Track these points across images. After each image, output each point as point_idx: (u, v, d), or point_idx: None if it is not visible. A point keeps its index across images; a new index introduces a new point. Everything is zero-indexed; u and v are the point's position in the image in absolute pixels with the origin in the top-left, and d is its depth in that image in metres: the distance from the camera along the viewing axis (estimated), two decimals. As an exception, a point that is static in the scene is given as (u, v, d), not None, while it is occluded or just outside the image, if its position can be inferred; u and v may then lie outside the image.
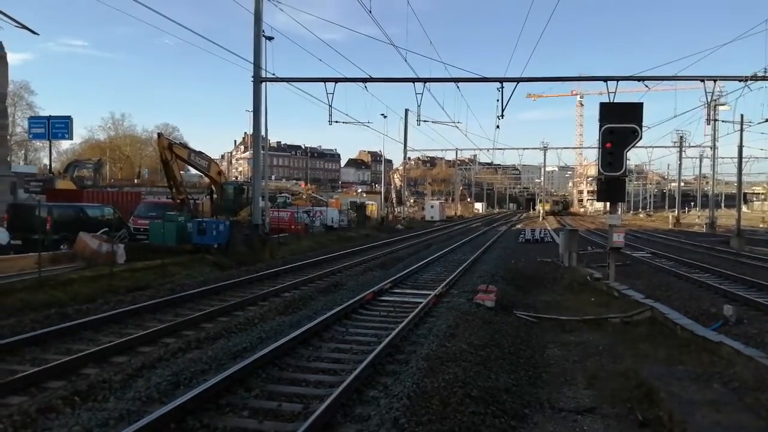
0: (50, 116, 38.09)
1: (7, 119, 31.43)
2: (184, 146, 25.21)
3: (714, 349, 8.50)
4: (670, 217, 66.22)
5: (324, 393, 6.56)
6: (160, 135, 25.11)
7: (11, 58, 27.89)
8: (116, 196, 32.76)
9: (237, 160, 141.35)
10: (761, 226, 55.79)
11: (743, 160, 40.64)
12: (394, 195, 70.11)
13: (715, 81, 21.23)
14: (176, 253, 19.49)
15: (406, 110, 53.00)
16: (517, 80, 21.51)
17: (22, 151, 68.38)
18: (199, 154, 24.73)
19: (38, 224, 16.75)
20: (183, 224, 21.07)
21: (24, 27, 26.46)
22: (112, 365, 7.78)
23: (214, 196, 26.53)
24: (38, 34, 28.53)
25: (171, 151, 22.13)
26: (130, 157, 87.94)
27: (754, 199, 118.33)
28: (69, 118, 37.07)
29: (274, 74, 23.44)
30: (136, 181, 74.59)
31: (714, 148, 52.84)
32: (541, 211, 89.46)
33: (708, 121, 38.58)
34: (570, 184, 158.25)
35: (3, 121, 28.18)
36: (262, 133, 25.11)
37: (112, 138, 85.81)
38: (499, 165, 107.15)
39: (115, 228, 20.26)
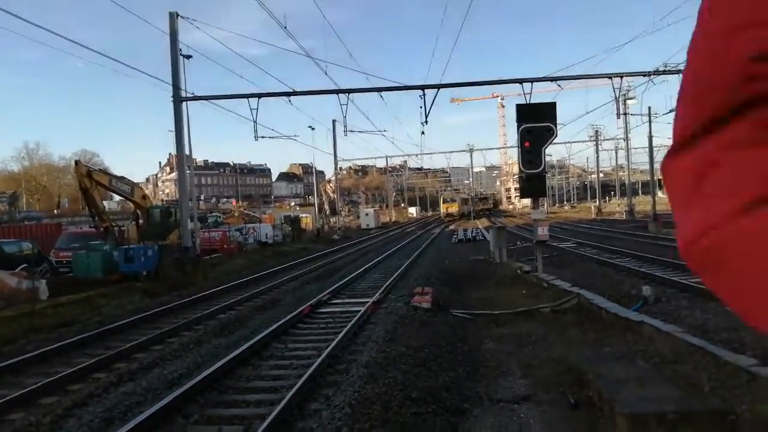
0: (-46, 150, 35.80)
1: None
2: (104, 172, 24.34)
3: (636, 329, 9.01)
4: (593, 207, 69.35)
5: (265, 411, 6.51)
6: (77, 162, 24.09)
7: None
8: (35, 229, 31.05)
9: (163, 182, 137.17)
10: (676, 209, 59.09)
11: (654, 148, 43.18)
12: (327, 206, 69.93)
13: (622, 77, 22.51)
14: (103, 283, 18.74)
15: (334, 121, 53.08)
16: (438, 86, 22.06)
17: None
18: (121, 179, 23.91)
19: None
20: (108, 253, 20.30)
21: None
22: (40, 407, 7.42)
23: (140, 221, 25.68)
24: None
25: (90, 178, 21.27)
26: (48, 187, 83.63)
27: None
28: (-25, 150, 34.97)
29: (193, 93, 23.01)
30: (55, 211, 70.99)
31: (627, 139, 55.76)
32: (444, 213, 77.02)
33: (618, 115, 40.56)
34: (498, 183, 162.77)
35: None
36: (186, 152, 24.55)
37: (27, 168, 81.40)
38: (429, 169, 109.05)
39: (34, 263, 19.25)
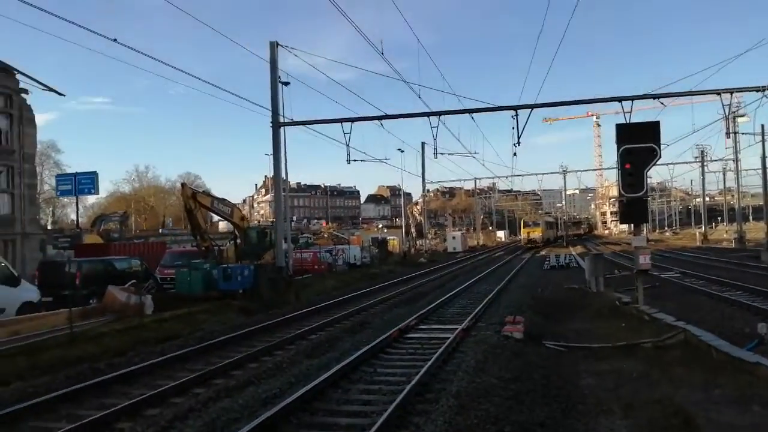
0: (77, 173, 39.04)
1: (35, 179, 32.38)
2: (207, 194, 25.69)
3: (751, 370, 8.29)
4: (697, 233, 65.05)
5: (356, 436, 6.53)
6: (183, 185, 25.66)
7: (37, 119, 28.93)
8: (142, 247, 33.36)
9: (258, 203, 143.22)
10: (792, 237, 54.41)
11: (768, 170, 40.04)
12: (414, 228, 70.10)
13: (731, 93, 21.11)
14: (203, 300, 19.68)
15: (423, 143, 53.46)
16: (531, 107, 21.60)
17: (50, 209, 70.08)
18: (222, 201, 25.15)
19: (68, 280, 17.09)
20: (209, 271, 21.31)
21: (50, 89, 27.61)
22: (145, 418, 7.84)
23: (238, 241, 26.84)
24: (64, 95, 29.68)
25: (195, 200, 22.53)
26: (155, 208, 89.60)
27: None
28: (95, 173, 37.95)
29: (291, 118, 23.93)
30: (160, 230, 75.83)
31: (736, 160, 52.27)
32: (524, 239, 69.33)
33: (728, 134, 38.17)
34: (592, 206, 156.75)
35: (32, 180, 29.09)
36: (283, 175, 25.51)
37: (136, 190, 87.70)
38: (519, 191, 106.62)
39: (142, 279, 20.56)
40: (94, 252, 28.08)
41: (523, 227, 72.99)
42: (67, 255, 27.41)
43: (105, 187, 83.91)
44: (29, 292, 17.56)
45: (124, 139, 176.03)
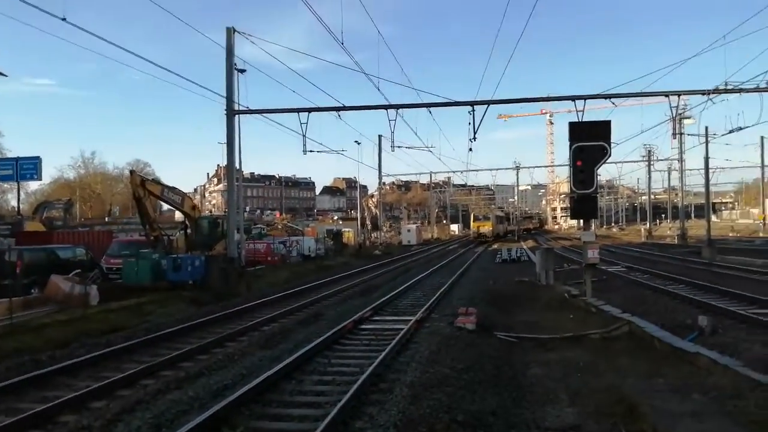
0: (18, 157, 37.38)
1: (-27, 163, 30.85)
2: (157, 182, 25.02)
3: (692, 360, 8.65)
4: (643, 230, 67.42)
5: (309, 427, 6.49)
6: (132, 172, 24.93)
7: (-24, 100, 27.61)
8: (87, 236, 32.17)
9: (210, 192, 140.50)
10: (731, 235, 57.08)
11: (710, 170, 41.79)
12: (369, 221, 70.13)
13: (679, 96, 21.85)
14: (151, 291, 19.21)
15: (380, 136, 53.47)
16: (488, 102, 21.85)
17: (-11, 194, 67.02)
18: (173, 189, 24.53)
19: (8, 269, 16.37)
20: (157, 261, 20.81)
21: (-10, 70, 26.28)
22: (91, 411, 7.60)
23: (189, 231, 26.27)
24: (6, 75, 28.32)
25: (144, 187, 21.94)
26: (101, 195, 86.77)
27: (723, 208, 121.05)
28: (38, 158, 36.37)
29: (247, 107, 23.50)
30: (107, 219, 73.48)
31: (681, 160, 54.19)
32: (474, 233, 67.95)
33: (674, 134, 39.64)
34: (543, 201, 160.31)
35: (-31, 165, 27.70)
36: (237, 165, 25.05)
37: (82, 176, 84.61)
38: (473, 186, 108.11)
39: (87, 268, 19.89)
40: (37, 240, 26.94)
41: (473, 221, 71.18)
42: (7, 243, 26.22)
43: (49, 173, 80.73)
44: (-35, 280, 16.73)
45: (69, 124, 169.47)
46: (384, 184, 68.27)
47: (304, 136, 22.50)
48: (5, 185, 57.97)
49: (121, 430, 6.41)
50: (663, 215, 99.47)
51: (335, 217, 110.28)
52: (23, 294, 16.38)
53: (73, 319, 14.27)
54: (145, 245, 23.16)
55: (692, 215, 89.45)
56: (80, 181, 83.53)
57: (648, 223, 68.26)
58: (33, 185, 69.42)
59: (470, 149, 36.23)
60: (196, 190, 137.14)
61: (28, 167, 35.97)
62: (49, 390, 8.78)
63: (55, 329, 13.16)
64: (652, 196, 74.02)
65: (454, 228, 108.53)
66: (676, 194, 68.87)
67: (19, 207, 45.74)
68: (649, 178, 67.24)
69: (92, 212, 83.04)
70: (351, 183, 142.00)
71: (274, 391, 7.99)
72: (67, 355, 10.81)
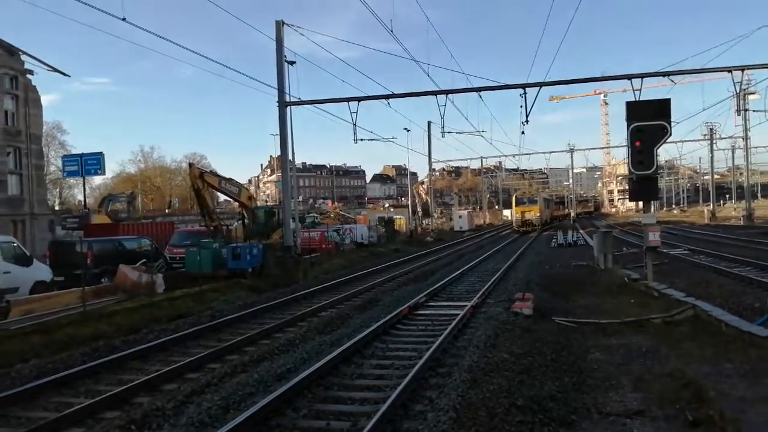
0: (82, 153, 39.12)
1: (43, 160, 32.50)
2: (215, 174, 25.72)
3: (761, 344, 8.33)
4: (706, 211, 64.72)
5: (370, 410, 6.64)
6: (191, 165, 25.73)
7: (42, 99, 28.97)
8: (151, 227, 33.48)
9: (264, 183, 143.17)
10: (801, 214, 54.16)
11: (777, 148, 39.68)
12: (420, 208, 70.04)
13: (743, 70, 20.82)
14: (212, 279, 19.84)
15: (429, 122, 53.23)
16: (540, 85, 21.43)
17: (57, 189, 70.34)
18: (230, 180, 25.19)
19: (79, 260, 17.25)
20: (218, 250, 21.44)
21: (55, 70, 27.60)
22: (163, 393, 7.98)
23: (246, 221, 26.95)
24: (69, 76, 29.61)
25: (202, 179, 22.60)
26: (161, 188, 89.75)
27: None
28: (101, 154, 38.02)
29: (298, 98, 23.83)
30: (167, 210, 76.05)
31: (746, 138, 51.77)
32: (517, 220, 55.57)
33: (738, 111, 37.85)
34: (599, 184, 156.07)
35: (39, 161, 29.21)
36: (290, 156, 25.50)
37: (142, 170, 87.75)
38: (526, 170, 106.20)
39: (152, 258, 20.73)
40: (103, 232, 28.25)
41: (515, 205, 57.46)
42: (76, 235, 27.61)
43: (111, 168, 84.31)
44: (41, 271, 17.75)
45: (128, 120, 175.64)
46: (434, 170, 67.98)
47: (354, 124, 22.70)
48: (71, 180, 60.88)
49: (192, 411, 6.73)
50: (727, 196, 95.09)
51: (386, 205, 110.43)
52: (94, 283, 17.26)
53: (141, 306, 14.93)
54: (205, 235, 23.89)
55: (759, 195, 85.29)
56: (141, 175, 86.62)
57: (711, 204, 65.46)
58: (97, 180, 72.65)
59: (522, 132, 35.48)
60: (250, 181, 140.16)
61: (92, 163, 37.68)
62: (124, 373, 9.26)
63: (124, 316, 13.82)
64: (716, 176, 70.92)
65: (507, 213, 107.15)
66: (741, 173, 65.82)
67: (85, 201, 47.85)
68: (712, 157, 64.44)
69: (153, 204, 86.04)
70: (401, 170, 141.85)
71: (335, 375, 8.19)
72: (138, 340, 11.35)
